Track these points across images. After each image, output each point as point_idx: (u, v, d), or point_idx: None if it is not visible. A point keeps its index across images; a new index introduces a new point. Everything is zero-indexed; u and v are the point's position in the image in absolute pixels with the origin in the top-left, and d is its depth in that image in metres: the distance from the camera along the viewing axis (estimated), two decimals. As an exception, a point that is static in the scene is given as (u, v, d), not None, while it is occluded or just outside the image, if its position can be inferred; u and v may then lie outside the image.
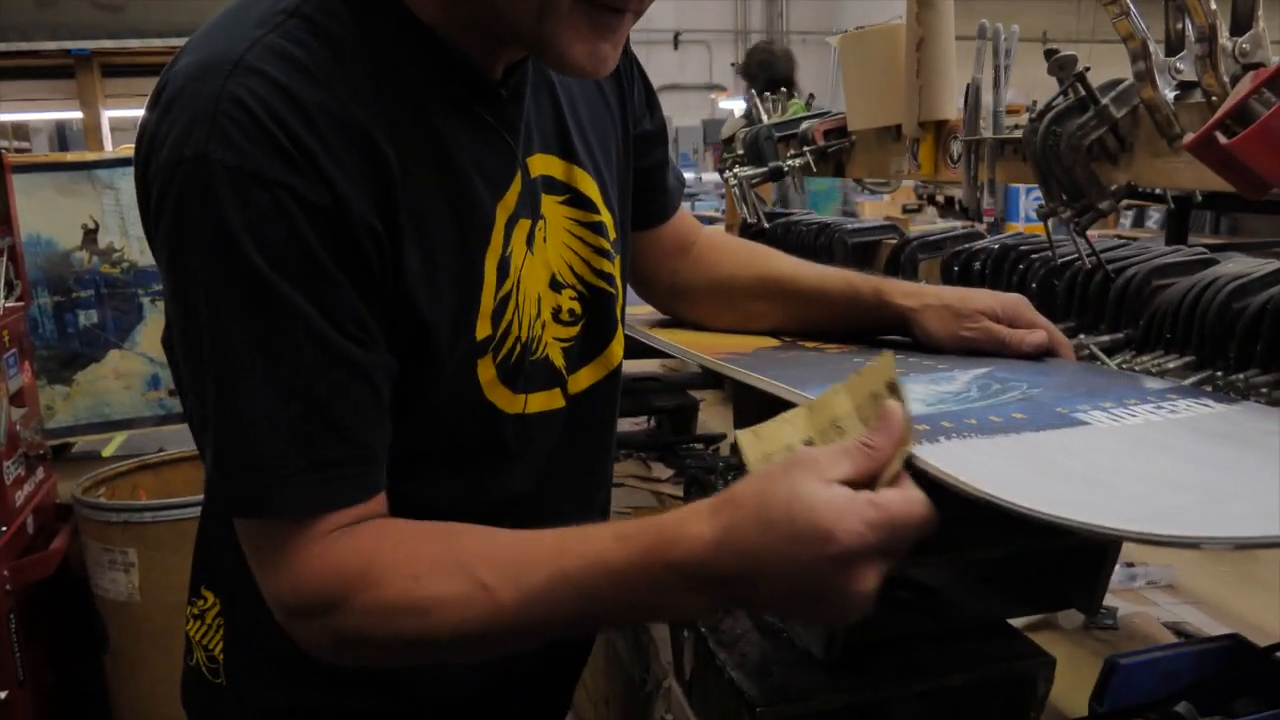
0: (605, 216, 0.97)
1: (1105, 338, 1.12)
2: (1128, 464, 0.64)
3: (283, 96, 0.71)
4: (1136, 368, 1.04)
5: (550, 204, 0.92)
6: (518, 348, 0.88)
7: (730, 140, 2.20)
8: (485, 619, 0.71)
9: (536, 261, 0.90)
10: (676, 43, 13.73)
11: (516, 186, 0.88)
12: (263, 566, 0.77)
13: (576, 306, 0.95)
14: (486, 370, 0.86)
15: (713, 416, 2.02)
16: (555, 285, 0.93)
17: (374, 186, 0.75)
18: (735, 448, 0.78)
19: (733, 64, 13.71)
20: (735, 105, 11.22)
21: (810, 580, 0.64)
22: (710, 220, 7.96)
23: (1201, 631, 1.10)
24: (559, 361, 0.93)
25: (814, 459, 0.66)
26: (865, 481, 0.65)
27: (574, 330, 0.95)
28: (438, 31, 0.80)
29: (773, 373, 0.93)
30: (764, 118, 2.13)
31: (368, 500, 0.77)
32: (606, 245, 0.97)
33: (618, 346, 1.01)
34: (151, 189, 0.74)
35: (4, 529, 2.27)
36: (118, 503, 2.44)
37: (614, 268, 0.98)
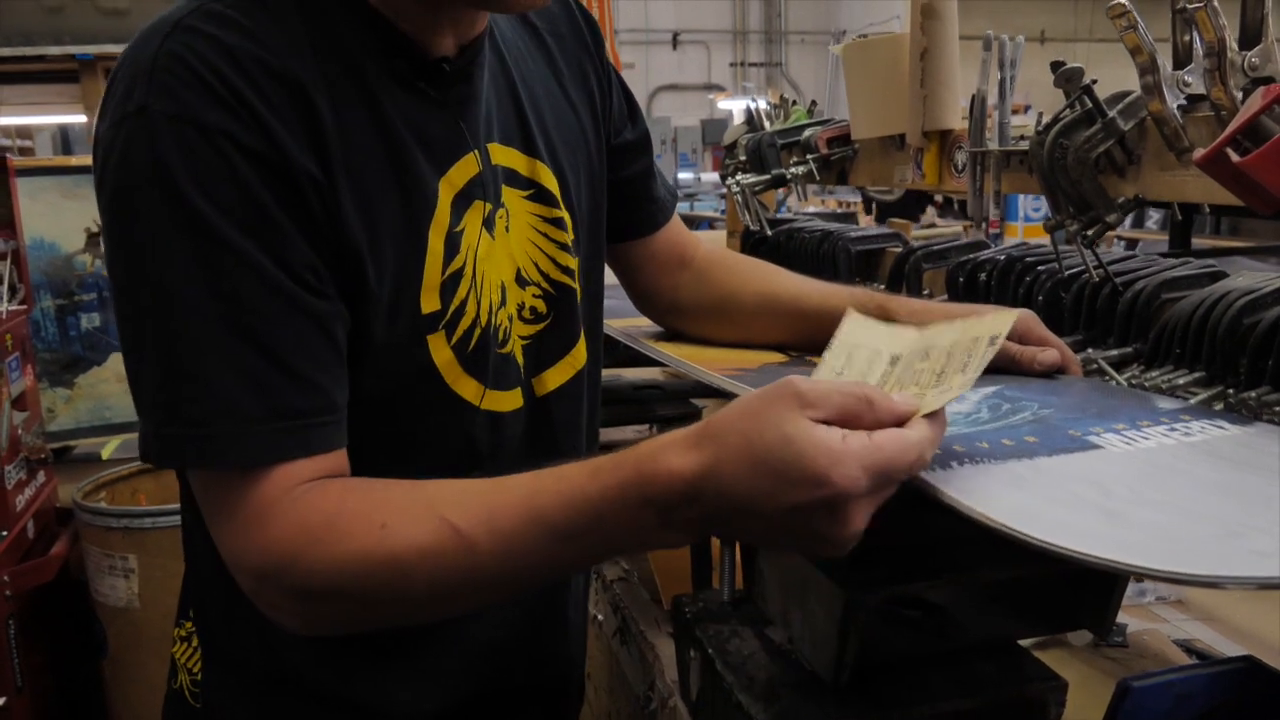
0: (565, 213, 0.97)
1: (1114, 352, 1.12)
2: (1142, 492, 0.64)
3: (218, 49, 0.73)
4: (1146, 383, 1.04)
5: (513, 197, 0.92)
6: (477, 331, 0.87)
7: (732, 147, 2.19)
8: (460, 566, 0.69)
9: (498, 249, 0.90)
10: (675, 43, 13.73)
11: (469, 166, 0.87)
12: (221, 525, 0.74)
13: (541, 305, 0.95)
14: (441, 350, 0.84)
15: (715, 424, 2.01)
16: (520, 281, 0.93)
17: (309, 137, 0.75)
18: None
19: (731, 64, 13.72)
20: (734, 105, 11.21)
21: (799, 520, 0.62)
22: (710, 221, 7.97)
23: (1213, 649, 1.09)
24: (520, 360, 0.93)
25: (804, 394, 0.63)
26: (854, 427, 0.63)
27: (537, 328, 0.95)
28: (379, 8, 0.81)
29: (780, 390, 0.92)
30: (766, 125, 2.12)
31: (330, 452, 0.75)
32: (568, 240, 0.97)
33: (583, 348, 1.00)
34: (97, 153, 0.75)
35: (4, 534, 2.27)
36: (118, 508, 2.43)
37: (575, 264, 0.97)
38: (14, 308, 2.56)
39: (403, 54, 0.83)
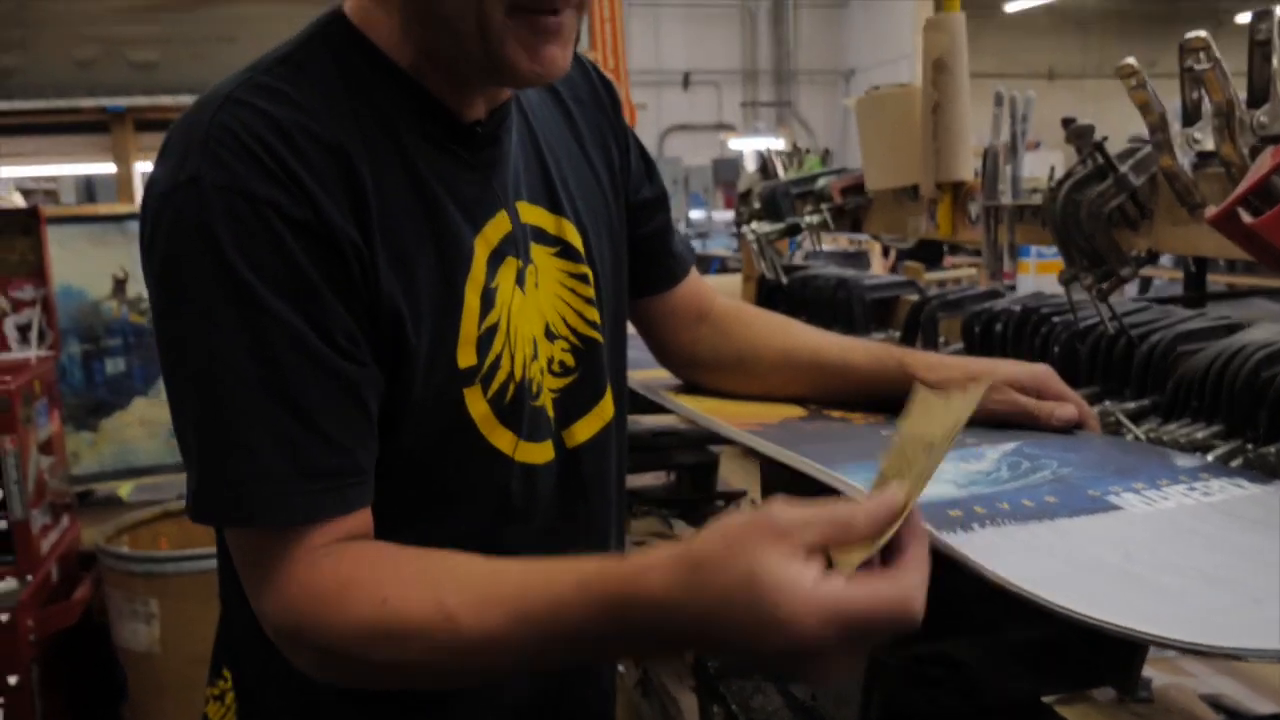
0: (589, 269, 1.00)
1: (1131, 404, 1.13)
2: (1163, 555, 0.65)
3: (266, 121, 0.77)
4: (1164, 436, 1.05)
5: (541, 253, 0.95)
6: (512, 384, 0.89)
7: (747, 195, 2.22)
8: (449, 648, 0.72)
9: (529, 304, 0.93)
10: (686, 83, 13.87)
11: (502, 224, 0.90)
12: (250, 581, 0.78)
13: (569, 359, 0.97)
14: (477, 403, 0.87)
15: (733, 472, 2.02)
16: (549, 335, 0.95)
17: (351, 203, 0.79)
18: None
19: (742, 103, 13.84)
20: (745, 145, 11.30)
21: (766, 658, 0.64)
22: (721, 259, 8.00)
23: (1242, 705, 1.09)
24: (550, 412, 0.95)
25: (779, 524, 0.62)
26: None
27: (565, 381, 0.97)
28: (414, 76, 0.85)
29: (803, 448, 0.93)
30: (780, 173, 2.15)
31: (354, 513, 0.78)
32: (592, 295, 0.99)
33: (610, 400, 1.02)
34: (147, 217, 0.78)
35: (30, 578, 2.29)
36: (140, 553, 2.45)
37: (600, 319, 1.00)
38: (43, 353, 2.60)
39: (437, 118, 0.86)
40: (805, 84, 14.24)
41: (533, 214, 0.95)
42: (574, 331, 0.98)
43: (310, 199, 0.76)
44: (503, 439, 0.89)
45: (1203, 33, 0.97)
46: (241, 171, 0.75)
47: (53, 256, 2.74)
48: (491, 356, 0.88)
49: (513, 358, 0.90)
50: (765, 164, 2.24)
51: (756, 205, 2.10)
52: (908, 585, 0.62)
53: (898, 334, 1.75)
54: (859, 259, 6.63)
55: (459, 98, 0.87)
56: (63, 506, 2.57)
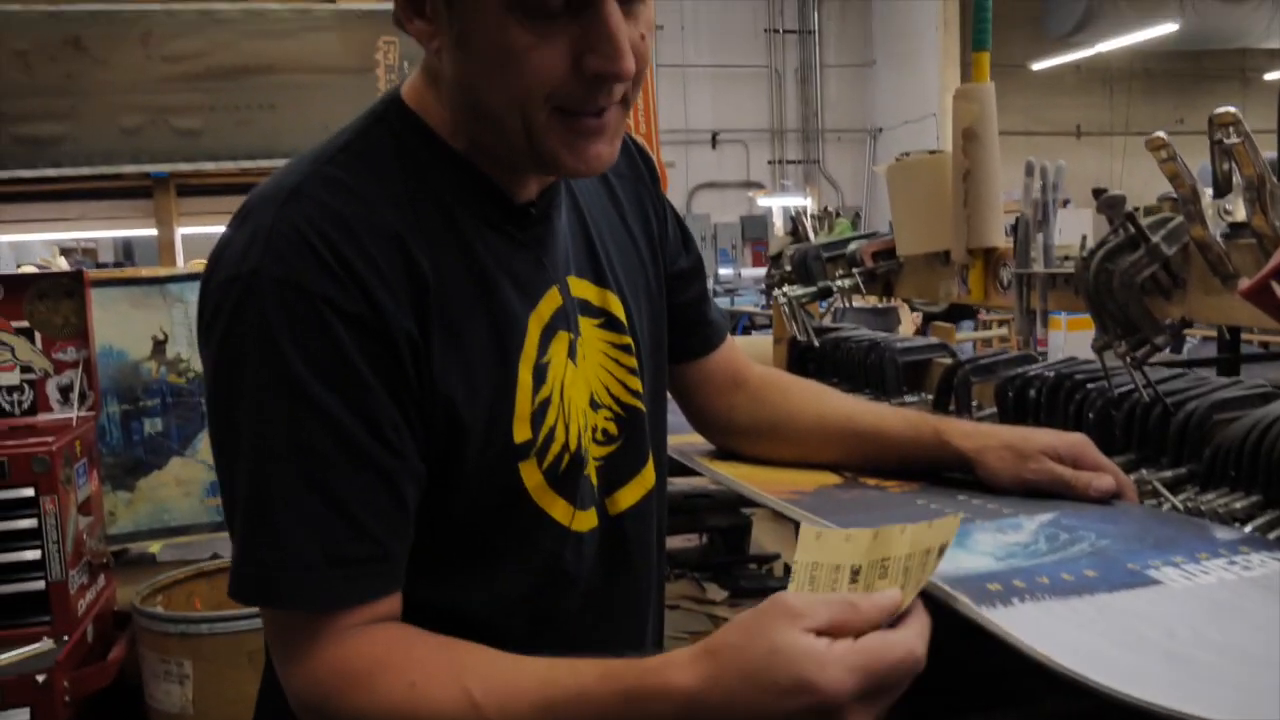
0: (631, 339, 1.02)
1: (1168, 473, 1.13)
2: (1205, 633, 0.65)
3: (328, 216, 0.80)
4: (1202, 506, 1.05)
5: (587, 325, 0.98)
6: (566, 455, 0.92)
7: (778, 257, 2.24)
8: None
9: (579, 376, 0.95)
10: (714, 142, 14.03)
11: (554, 300, 0.93)
12: (280, 656, 0.81)
13: (612, 427, 0.99)
14: (532, 475, 0.89)
15: (765, 533, 2.03)
16: (594, 405, 0.97)
17: (410, 293, 0.82)
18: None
19: (769, 161, 13.97)
20: (773, 202, 11.40)
21: None
22: (750, 315, 8.03)
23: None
24: (594, 480, 0.97)
25: (792, 607, 0.68)
26: (843, 634, 0.67)
27: (609, 450, 0.99)
28: (469, 159, 0.88)
29: (838, 518, 0.94)
30: (811, 236, 2.18)
31: (382, 600, 0.81)
32: (635, 365, 1.02)
33: (651, 468, 1.04)
34: (209, 300, 0.82)
35: (66, 639, 2.31)
36: (175, 613, 2.47)
37: (643, 388, 1.02)
38: (83, 414, 2.65)
39: (491, 200, 0.90)
40: (832, 142, 14.36)
41: (580, 287, 0.98)
42: (617, 400, 1.00)
43: (366, 294, 0.79)
44: (556, 507, 0.91)
45: (1232, 108, 0.99)
46: (300, 267, 0.78)
47: (94, 318, 2.81)
48: (545, 429, 0.90)
49: (567, 429, 0.92)
50: (796, 226, 2.26)
51: (787, 268, 2.12)
52: (911, 633, 0.68)
53: (930, 397, 1.76)
54: (888, 315, 6.63)
55: (512, 180, 0.90)
56: (99, 566, 2.60)
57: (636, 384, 1.01)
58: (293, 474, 0.77)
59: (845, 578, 0.77)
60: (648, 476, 1.03)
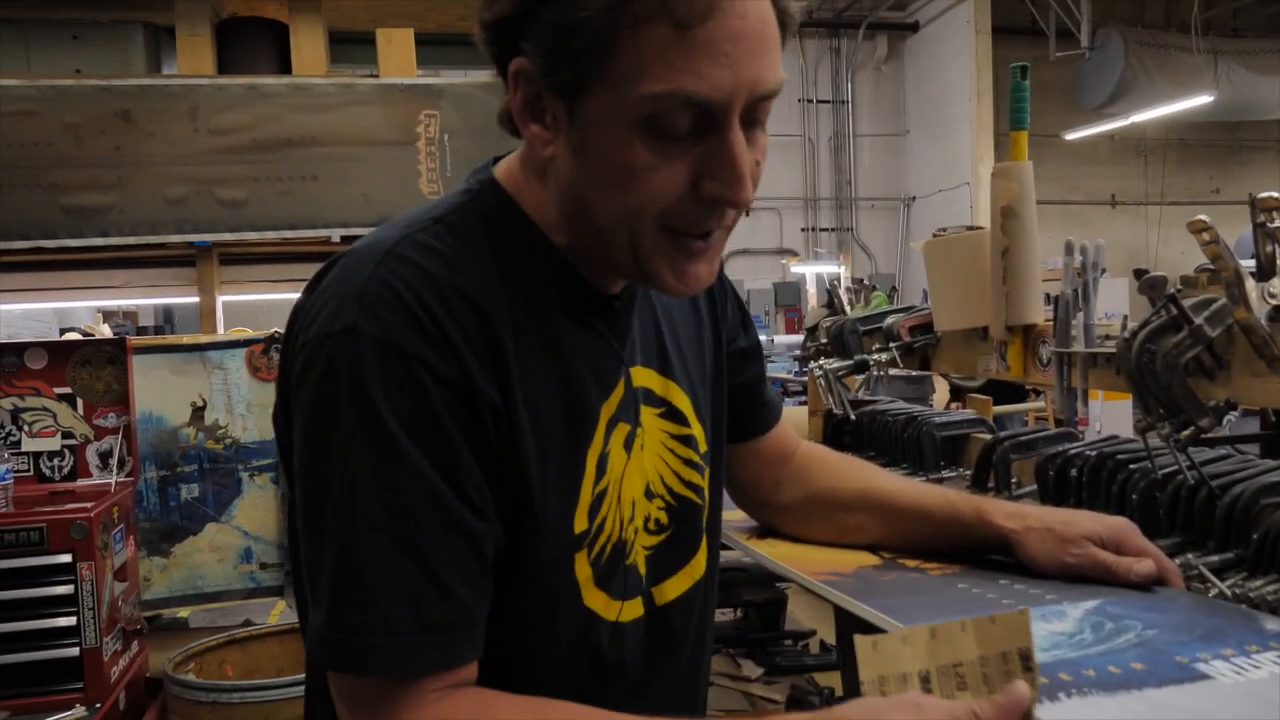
0: (696, 430, 1.01)
1: (1215, 558, 1.10)
2: (1260, 734, 0.63)
3: (423, 278, 0.80)
4: (1250, 593, 1.02)
5: (648, 415, 0.97)
6: (608, 547, 0.90)
7: (814, 330, 2.24)
8: None
9: (634, 467, 0.94)
10: (748, 210, 14.12)
11: (620, 391, 0.92)
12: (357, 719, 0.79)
13: (663, 516, 0.98)
14: (583, 567, 0.88)
15: (801, 608, 2.00)
16: (648, 494, 0.96)
17: (494, 365, 0.81)
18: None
19: (802, 229, 14.04)
20: (806, 269, 11.43)
21: None
22: (782, 383, 8.00)
23: None
24: (641, 570, 0.95)
25: (920, 704, 0.67)
26: None
27: (659, 539, 0.98)
28: (563, 253, 0.88)
29: (877, 601, 0.93)
30: (847, 309, 2.18)
31: (466, 665, 0.80)
32: (696, 458, 1.01)
33: (703, 557, 1.02)
34: (297, 359, 0.81)
35: (98, 706, 2.31)
36: (207, 682, 2.46)
37: (703, 480, 1.01)
38: (122, 479, 2.68)
39: (579, 292, 0.90)
40: (865, 210, 14.43)
41: (644, 376, 0.97)
42: (669, 490, 0.99)
43: (458, 357, 0.79)
44: (597, 600, 0.90)
45: (1276, 194, 0.99)
46: (395, 326, 0.78)
47: (135, 384, 2.85)
48: (599, 519, 0.89)
49: (618, 520, 0.92)
50: (831, 297, 2.26)
51: (823, 340, 2.12)
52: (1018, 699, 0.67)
53: (968, 472, 1.74)
54: (923, 383, 6.58)
55: (602, 275, 0.91)
56: (133, 632, 2.60)
57: (694, 476, 1.00)
58: (384, 535, 0.76)
59: (915, 687, 0.74)
60: (697, 566, 1.01)
